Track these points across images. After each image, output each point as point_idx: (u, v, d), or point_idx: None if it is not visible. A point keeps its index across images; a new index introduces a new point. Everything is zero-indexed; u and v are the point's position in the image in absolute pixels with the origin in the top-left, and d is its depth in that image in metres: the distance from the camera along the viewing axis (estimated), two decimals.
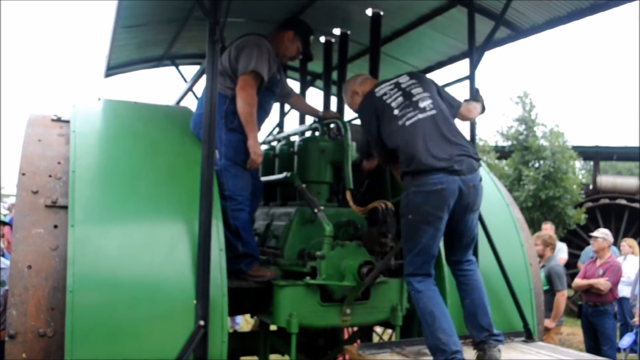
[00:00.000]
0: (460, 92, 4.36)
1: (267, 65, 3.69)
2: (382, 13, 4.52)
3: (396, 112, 3.30)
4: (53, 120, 3.63)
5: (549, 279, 6.38)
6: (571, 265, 10.85)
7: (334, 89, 5.32)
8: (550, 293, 6.32)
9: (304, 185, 3.89)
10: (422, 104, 3.28)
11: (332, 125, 4.35)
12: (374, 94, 3.45)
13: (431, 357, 3.39)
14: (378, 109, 3.38)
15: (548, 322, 6.24)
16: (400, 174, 3.33)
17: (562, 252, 8.77)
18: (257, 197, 4.05)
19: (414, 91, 3.35)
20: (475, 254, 3.76)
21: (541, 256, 6.57)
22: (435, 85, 3.50)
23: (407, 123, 3.23)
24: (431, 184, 3.08)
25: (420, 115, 3.24)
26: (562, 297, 6.37)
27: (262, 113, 3.87)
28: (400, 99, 3.33)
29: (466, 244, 3.35)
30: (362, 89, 3.61)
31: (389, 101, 3.35)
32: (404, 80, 3.45)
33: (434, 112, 3.27)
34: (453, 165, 3.08)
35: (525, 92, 14.69)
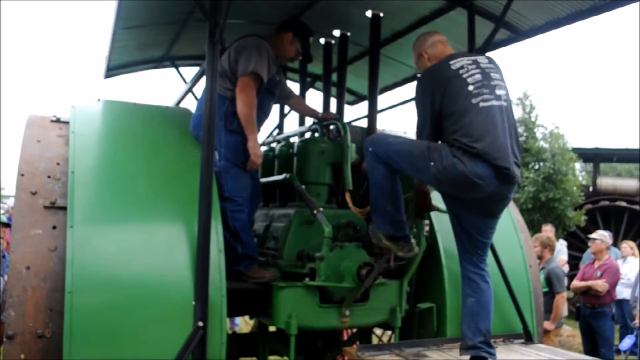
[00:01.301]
0: None
1: (267, 66, 3.69)
2: (381, 15, 4.52)
3: (471, 87, 3.01)
4: (52, 121, 3.63)
5: (549, 281, 6.38)
6: (572, 267, 10.85)
7: (333, 90, 5.32)
8: (550, 295, 6.32)
9: (303, 187, 3.89)
10: (498, 92, 3.06)
11: (331, 127, 4.34)
12: (449, 65, 3.09)
13: (430, 359, 3.40)
14: (450, 83, 3.04)
15: (547, 324, 6.23)
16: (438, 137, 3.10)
17: (562, 253, 8.77)
18: (257, 199, 4.05)
19: (492, 75, 3.10)
20: None
21: (540, 258, 6.57)
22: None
23: (482, 105, 2.98)
24: (470, 170, 2.90)
25: (496, 102, 3.02)
26: (561, 299, 6.37)
27: (262, 114, 3.87)
28: (479, 76, 3.05)
29: (480, 250, 3.22)
30: (431, 52, 3.29)
31: (465, 75, 3.04)
32: (483, 60, 3.16)
33: (506, 104, 3.08)
34: (504, 170, 2.93)
35: (525, 93, 14.73)
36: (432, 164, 2.99)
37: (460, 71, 3.07)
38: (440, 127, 3.08)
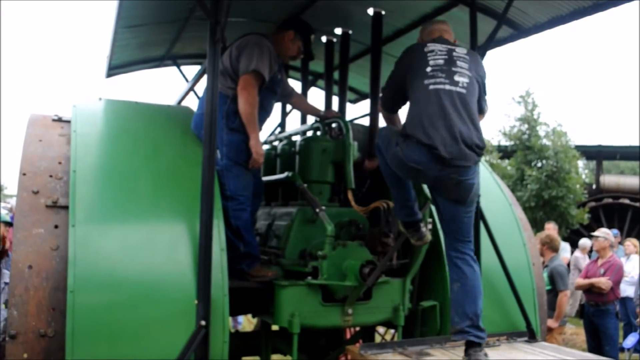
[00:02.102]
0: None
1: (268, 64, 3.68)
2: (383, 12, 4.51)
3: (428, 69, 3.17)
4: (54, 120, 3.63)
5: (552, 279, 6.37)
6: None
7: (335, 88, 5.31)
8: (553, 293, 6.30)
9: (305, 185, 3.89)
10: (457, 78, 3.16)
11: (333, 125, 4.34)
12: (423, 46, 3.30)
13: (433, 357, 3.39)
14: (417, 60, 3.24)
15: (551, 322, 6.22)
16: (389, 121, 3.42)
17: (564, 251, 8.75)
18: (259, 197, 4.04)
19: (459, 63, 3.22)
20: (478, 253, 3.75)
21: (542, 256, 6.56)
22: (483, 78, 3.36)
23: (431, 87, 3.13)
24: (409, 156, 3.08)
25: (448, 87, 3.13)
26: (564, 298, 6.36)
27: (263, 113, 3.87)
28: (441, 61, 3.19)
29: (459, 236, 3.26)
30: (421, 37, 3.55)
31: (429, 57, 3.21)
32: (460, 51, 3.29)
33: (463, 90, 3.15)
34: (437, 149, 3.00)
35: (527, 91, 14.71)
36: (387, 154, 3.27)
37: (429, 54, 3.23)
38: (400, 101, 3.35)
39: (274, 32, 4.03)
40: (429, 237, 3.56)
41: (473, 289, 3.19)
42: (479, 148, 3.13)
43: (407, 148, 3.09)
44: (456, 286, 3.24)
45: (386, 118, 3.62)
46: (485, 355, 3.17)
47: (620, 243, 9.55)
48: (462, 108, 3.11)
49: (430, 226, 3.78)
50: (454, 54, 3.25)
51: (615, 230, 9.49)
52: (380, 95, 3.41)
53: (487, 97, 3.43)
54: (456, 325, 3.18)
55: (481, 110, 3.40)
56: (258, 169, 3.97)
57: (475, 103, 3.22)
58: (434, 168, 3.05)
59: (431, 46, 3.28)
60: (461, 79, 3.18)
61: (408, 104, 3.28)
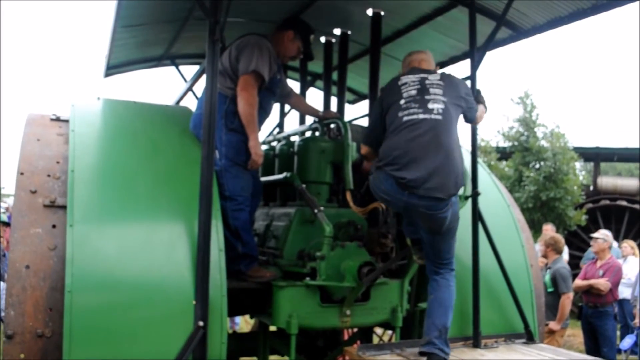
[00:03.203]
0: None
1: (268, 65, 3.68)
2: (382, 13, 4.51)
3: (402, 102, 3.23)
4: (52, 119, 3.62)
5: (554, 281, 6.36)
6: (572, 266, 10.84)
7: (334, 89, 5.31)
8: (556, 295, 6.30)
9: (303, 186, 3.88)
10: (431, 105, 3.19)
11: (332, 126, 4.33)
12: (397, 80, 3.38)
13: None
14: (391, 95, 3.32)
15: (553, 325, 6.22)
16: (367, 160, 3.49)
17: (563, 253, 8.75)
18: (257, 197, 4.04)
19: (432, 90, 3.25)
20: (476, 254, 3.76)
21: (545, 257, 6.55)
22: (464, 89, 3.38)
23: (405, 118, 3.18)
24: (379, 187, 3.20)
25: (422, 116, 3.16)
26: (567, 300, 6.35)
27: (262, 113, 3.86)
28: (414, 92, 3.25)
29: (437, 260, 3.35)
30: (401, 69, 3.60)
31: (402, 90, 3.28)
32: (434, 77, 3.32)
33: (439, 117, 3.16)
34: (400, 180, 3.07)
35: (526, 92, 14.69)
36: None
37: (402, 87, 3.30)
38: (375, 135, 3.41)
39: (273, 32, 4.02)
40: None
41: (445, 302, 3.30)
42: (449, 190, 3.11)
43: (377, 179, 3.21)
44: (430, 298, 3.35)
45: (366, 154, 3.62)
46: None
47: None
48: (436, 138, 3.12)
49: None
50: (427, 82, 3.28)
51: (607, 231, 9.48)
52: (365, 135, 3.54)
53: (477, 106, 3.48)
54: (425, 336, 3.27)
55: (470, 120, 3.47)
56: (256, 170, 3.96)
57: (453, 129, 3.22)
58: (401, 197, 3.10)
59: (404, 79, 3.35)
60: (435, 106, 3.19)
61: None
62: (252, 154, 3.61)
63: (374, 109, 3.50)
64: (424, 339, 3.27)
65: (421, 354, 3.24)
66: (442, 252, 3.34)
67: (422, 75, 3.34)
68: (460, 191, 3.66)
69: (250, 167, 3.66)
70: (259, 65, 3.61)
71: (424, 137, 3.10)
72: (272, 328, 4.01)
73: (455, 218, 3.25)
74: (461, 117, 3.38)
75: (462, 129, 3.43)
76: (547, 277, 6.38)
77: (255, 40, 3.71)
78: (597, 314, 6.73)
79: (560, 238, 7.00)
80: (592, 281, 6.77)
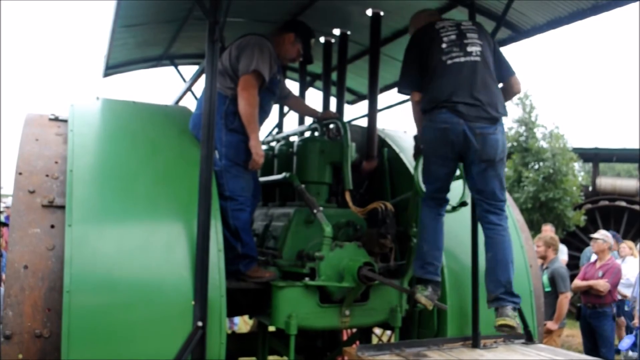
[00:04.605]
0: None
1: (269, 65, 3.67)
2: (382, 13, 4.50)
3: (444, 45, 3.42)
4: (50, 119, 3.61)
5: (552, 280, 6.36)
6: (571, 266, 10.85)
7: (333, 89, 5.30)
8: (554, 295, 6.30)
9: (303, 186, 3.87)
10: (470, 48, 3.40)
11: (331, 126, 4.33)
12: (433, 25, 3.54)
13: (430, 359, 3.38)
14: (429, 38, 3.47)
15: (551, 324, 6.21)
16: (419, 105, 3.51)
17: (562, 253, 8.75)
18: (256, 198, 4.03)
19: (468, 34, 3.45)
20: (476, 254, 3.75)
21: (543, 258, 6.55)
22: (495, 44, 3.59)
23: (449, 62, 3.37)
24: (437, 121, 3.31)
25: (463, 59, 3.37)
26: (565, 300, 6.35)
27: (262, 114, 3.85)
28: (453, 36, 3.44)
29: (486, 195, 3.39)
30: (415, 24, 3.74)
31: (442, 34, 3.46)
32: (466, 23, 3.56)
33: (477, 58, 3.38)
34: (458, 107, 3.24)
35: (525, 93, 14.68)
36: (422, 146, 3.52)
37: (440, 31, 3.49)
38: (419, 79, 3.49)
39: (274, 33, 4.01)
40: (433, 304, 3.48)
41: (504, 257, 3.34)
42: (497, 110, 3.34)
43: (432, 118, 3.34)
44: (488, 256, 3.39)
45: (415, 102, 3.59)
46: (513, 310, 3.30)
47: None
48: (479, 76, 3.34)
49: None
50: (462, 27, 3.51)
51: (611, 232, 9.49)
52: (400, 80, 3.60)
53: (507, 60, 3.60)
54: (492, 293, 3.32)
55: (512, 73, 3.58)
56: (256, 170, 3.96)
57: (491, 68, 3.43)
58: (459, 123, 3.27)
59: (440, 23, 3.54)
60: (474, 49, 3.42)
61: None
62: (253, 154, 3.60)
63: (408, 54, 3.57)
64: (489, 297, 3.33)
65: (496, 310, 3.30)
66: (496, 190, 3.39)
67: (457, 22, 3.57)
68: (459, 197, 3.72)
69: (251, 167, 3.65)
70: (260, 65, 3.61)
71: (469, 76, 3.33)
72: (271, 328, 4.00)
73: (505, 148, 3.43)
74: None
75: None
76: (545, 277, 6.38)
77: (256, 41, 3.70)
78: (595, 315, 6.72)
79: (557, 238, 7.02)
80: (591, 282, 6.77)
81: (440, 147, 3.36)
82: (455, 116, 3.27)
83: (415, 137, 3.71)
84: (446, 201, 3.58)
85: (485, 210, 3.42)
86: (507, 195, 4.77)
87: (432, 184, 3.51)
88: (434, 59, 3.41)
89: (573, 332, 9.40)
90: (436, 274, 3.48)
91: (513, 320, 3.26)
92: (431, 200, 3.52)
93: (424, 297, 3.41)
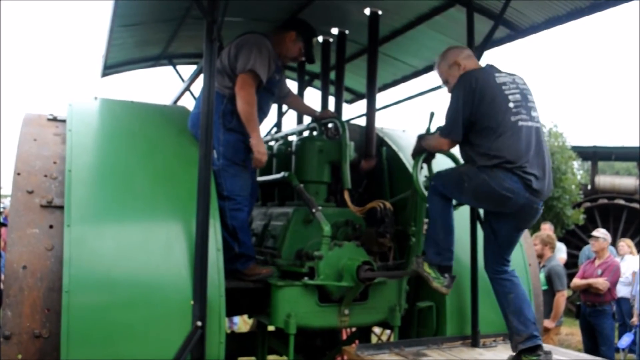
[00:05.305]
0: None
1: (266, 65, 3.66)
2: (380, 12, 4.50)
3: (511, 105, 3.22)
4: (49, 119, 3.59)
5: (549, 279, 6.36)
6: (570, 265, 10.86)
7: (331, 88, 5.30)
8: (550, 293, 6.30)
9: (301, 185, 3.87)
10: (533, 113, 3.30)
11: (330, 125, 4.33)
12: (493, 77, 3.28)
13: (429, 358, 3.39)
14: (491, 93, 3.22)
15: (547, 323, 6.21)
16: (468, 154, 3.32)
17: (561, 252, 8.76)
18: (253, 197, 4.03)
19: (529, 97, 3.34)
20: (475, 254, 3.75)
21: (540, 256, 6.55)
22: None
23: (520, 123, 3.20)
24: (500, 185, 3.13)
25: (531, 123, 3.25)
26: (561, 298, 6.35)
27: (261, 114, 3.83)
28: (518, 96, 3.27)
29: (507, 256, 3.45)
30: (466, 64, 3.44)
31: (507, 92, 3.24)
32: (520, 81, 3.38)
33: (538, 125, 3.32)
34: (530, 179, 3.14)
35: None
36: (466, 185, 3.26)
37: (504, 87, 3.25)
38: (468, 131, 3.25)
39: (275, 32, 3.99)
40: (449, 290, 3.48)
41: (525, 297, 3.40)
42: (551, 187, 3.33)
43: (497, 177, 3.15)
44: (511, 297, 3.37)
45: (447, 146, 3.43)
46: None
47: (614, 244, 9.56)
48: (540, 143, 3.26)
49: (426, 227, 3.75)
50: (520, 86, 3.33)
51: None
52: (444, 127, 3.34)
53: None
54: (523, 333, 3.28)
55: None
56: (254, 169, 3.96)
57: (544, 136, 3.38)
58: (524, 196, 3.16)
59: (501, 77, 3.29)
60: (535, 114, 3.31)
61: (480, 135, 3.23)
62: (255, 152, 3.57)
63: (458, 99, 3.24)
64: (520, 337, 3.27)
65: (529, 349, 3.25)
66: (512, 250, 3.47)
67: (510, 76, 3.36)
68: None
69: (254, 166, 3.64)
70: (257, 64, 3.59)
71: (536, 144, 3.23)
72: (271, 328, 4.01)
73: None
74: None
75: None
76: (542, 275, 6.39)
77: (254, 40, 3.69)
78: (595, 313, 6.74)
79: (554, 236, 7.02)
80: (590, 280, 6.78)
81: (489, 204, 3.34)
82: (524, 188, 3.14)
83: (419, 137, 3.63)
84: None
85: (500, 263, 3.44)
86: None
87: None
88: (501, 117, 3.18)
89: (573, 331, 9.41)
90: (452, 259, 3.47)
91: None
92: (436, 195, 3.48)
93: (444, 287, 3.40)
